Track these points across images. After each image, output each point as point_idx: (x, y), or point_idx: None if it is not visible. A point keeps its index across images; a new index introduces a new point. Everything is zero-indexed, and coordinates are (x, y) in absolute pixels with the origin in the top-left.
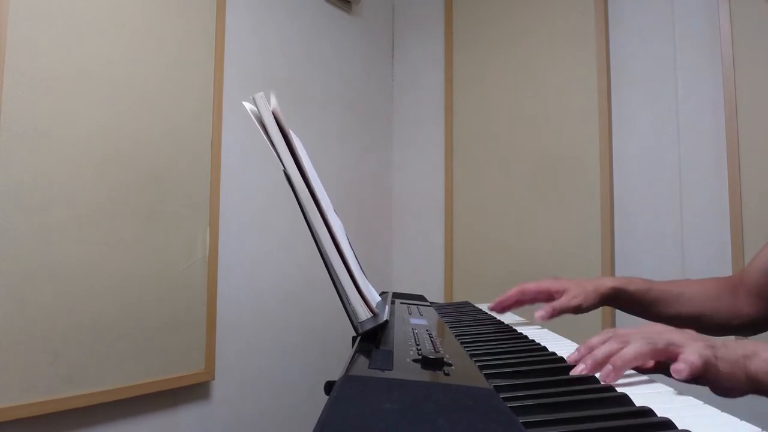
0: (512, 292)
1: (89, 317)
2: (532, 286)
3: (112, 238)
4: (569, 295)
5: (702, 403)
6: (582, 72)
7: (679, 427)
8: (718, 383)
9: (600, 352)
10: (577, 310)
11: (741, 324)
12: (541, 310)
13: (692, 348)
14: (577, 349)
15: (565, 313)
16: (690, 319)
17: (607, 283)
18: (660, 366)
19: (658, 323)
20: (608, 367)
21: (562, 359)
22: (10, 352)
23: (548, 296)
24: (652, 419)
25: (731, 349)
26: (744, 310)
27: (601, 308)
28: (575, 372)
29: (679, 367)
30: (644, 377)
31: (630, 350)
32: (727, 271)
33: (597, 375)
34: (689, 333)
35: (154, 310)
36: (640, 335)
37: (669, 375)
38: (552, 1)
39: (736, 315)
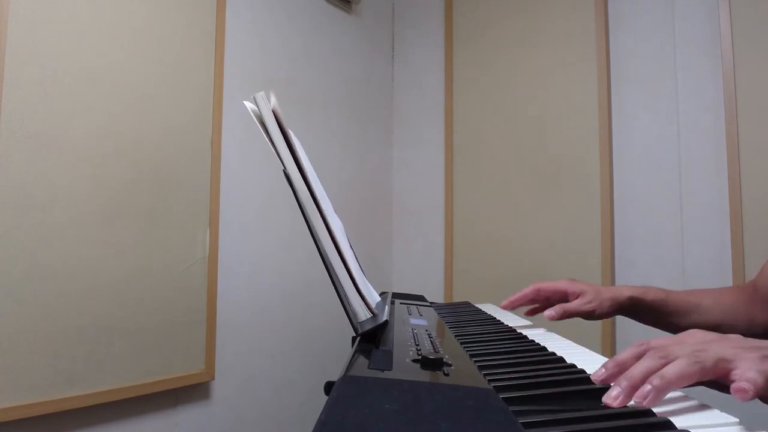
0: (528, 289)
1: (89, 317)
2: (548, 285)
3: (112, 238)
4: (584, 300)
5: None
6: (582, 72)
7: (678, 427)
8: None
9: (637, 372)
10: (589, 316)
11: (759, 333)
12: (551, 309)
13: (748, 363)
14: (604, 366)
15: (575, 316)
16: (709, 329)
17: (625, 293)
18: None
19: (698, 330)
20: (647, 387)
21: (561, 359)
22: (10, 352)
23: (563, 297)
24: (651, 419)
25: None
26: (760, 318)
27: None
28: (609, 398)
29: (742, 387)
30: None
31: (673, 369)
32: (727, 271)
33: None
34: (737, 340)
35: (154, 310)
36: (682, 347)
37: (719, 389)
38: (552, 1)
39: (754, 324)
